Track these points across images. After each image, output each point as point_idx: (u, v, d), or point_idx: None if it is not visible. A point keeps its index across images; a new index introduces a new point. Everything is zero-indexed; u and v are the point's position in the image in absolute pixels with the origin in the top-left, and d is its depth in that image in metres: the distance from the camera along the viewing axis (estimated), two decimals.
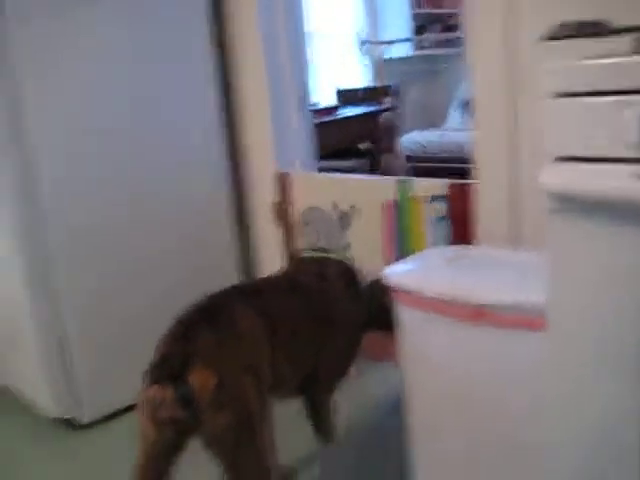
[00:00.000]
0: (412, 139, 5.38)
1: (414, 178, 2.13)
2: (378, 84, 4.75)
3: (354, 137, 3.69)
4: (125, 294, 2.23)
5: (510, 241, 1.92)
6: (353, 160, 3.80)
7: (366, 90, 4.33)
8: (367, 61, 5.40)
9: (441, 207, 2.06)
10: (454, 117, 6.01)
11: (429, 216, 2.09)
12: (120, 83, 2.16)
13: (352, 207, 2.30)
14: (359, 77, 5.68)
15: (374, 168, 3.87)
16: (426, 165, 5.18)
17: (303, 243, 2.49)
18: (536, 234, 1.87)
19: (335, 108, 3.55)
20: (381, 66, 4.73)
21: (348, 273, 1.90)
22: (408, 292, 1.46)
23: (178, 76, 2.31)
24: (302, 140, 2.59)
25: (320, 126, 2.91)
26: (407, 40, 5.46)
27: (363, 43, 4.71)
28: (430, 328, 1.45)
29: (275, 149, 2.50)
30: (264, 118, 2.49)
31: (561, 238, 1.04)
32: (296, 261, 1.92)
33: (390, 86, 4.15)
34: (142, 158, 2.24)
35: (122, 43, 2.15)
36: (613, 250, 1.00)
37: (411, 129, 5.35)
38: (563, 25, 0.99)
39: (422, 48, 5.92)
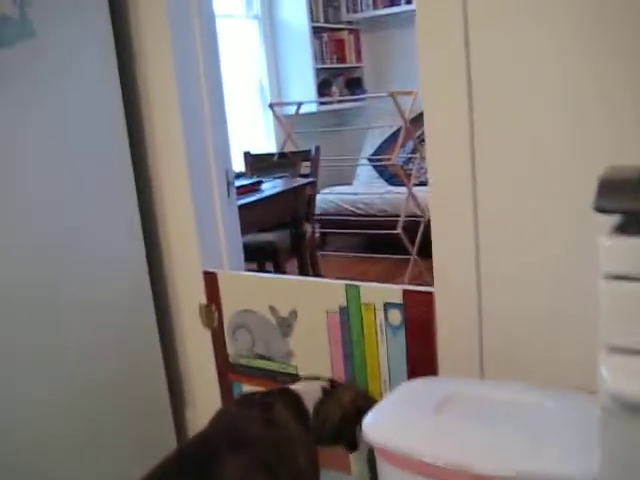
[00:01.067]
0: (324, 199, 5.23)
1: (364, 283, 1.93)
2: (287, 145, 4.55)
3: (280, 214, 3.45)
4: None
5: (474, 356, 1.75)
6: (274, 233, 3.57)
7: (281, 155, 4.12)
8: (272, 121, 5.24)
9: (396, 316, 1.87)
10: (363, 172, 5.93)
11: (383, 326, 1.89)
12: (31, 175, 1.86)
13: (292, 312, 2.06)
14: (264, 138, 5.50)
15: (298, 240, 3.64)
16: (341, 226, 5.04)
17: (235, 349, 2.23)
18: (503, 352, 1.72)
19: (258, 183, 3.30)
20: (291, 129, 4.55)
21: (296, 403, 1.65)
22: (396, 454, 1.23)
23: (89, 170, 2.02)
24: (229, 232, 2.34)
25: (243, 207, 2.66)
26: (314, 102, 5.33)
27: (270, 106, 4.51)
28: None
29: (200, 245, 2.24)
30: (186, 209, 2.22)
31: (616, 435, 0.85)
32: (235, 405, 1.63)
33: (307, 151, 3.97)
34: (49, 259, 1.92)
35: (28, 136, 1.85)
36: None
37: (323, 189, 5.20)
38: (608, 182, 0.81)
39: (326, 104, 5.82)
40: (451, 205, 1.70)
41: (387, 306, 1.87)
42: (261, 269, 3.76)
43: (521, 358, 1.69)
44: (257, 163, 4.10)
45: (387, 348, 1.90)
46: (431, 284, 1.82)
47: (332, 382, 1.79)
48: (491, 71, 1.56)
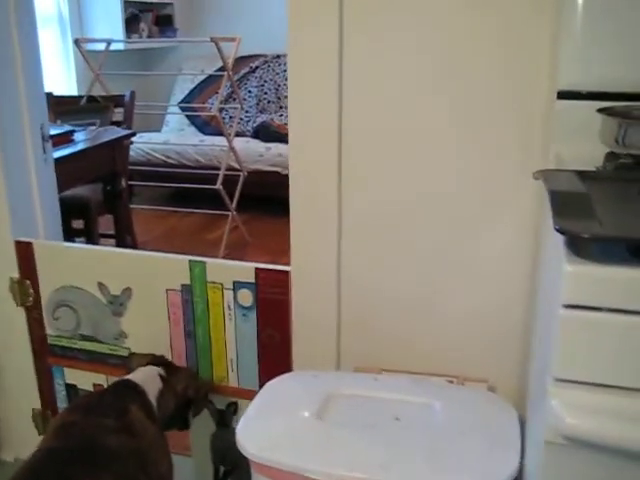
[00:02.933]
0: (132, 147, 4.86)
1: (211, 260, 1.76)
2: (94, 88, 4.12)
3: (96, 168, 3.07)
4: None
5: (331, 345, 1.67)
6: (84, 187, 3.21)
7: (89, 99, 3.71)
8: (74, 59, 4.76)
9: (247, 296, 1.73)
10: (173, 118, 5.61)
11: (232, 306, 1.75)
12: None
13: (126, 289, 1.84)
14: (64, 78, 4.97)
15: (115, 195, 3.31)
16: (150, 178, 4.73)
17: (55, 330, 1.96)
18: (362, 343, 1.65)
19: (70, 133, 2.91)
20: (99, 69, 4.13)
21: (144, 400, 1.47)
22: (280, 471, 1.11)
23: None
24: (46, 195, 2.03)
25: (55, 161, 2.32)
26: (123, 41, 4.88)
27: (76, 42, 4.04)
28: None
29: (10, 211, 1.91)
30: None
31: (559, 468, 0.79)
32: (81, 412, 1.34)
33: (121, 95, 3.60)
34: None
35: None
36: None
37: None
38: (561, 198, 0.73)
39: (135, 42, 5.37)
40: (314, 176, 1.57)
41: (237, 285, 1.73)
42: (68, 228, 3.39)
43: (381, 349, 1.64)
44: (60, 106, 3.65)
45: (235, 330, 1.76)
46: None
47: (166, 366, 1.66)
48: None
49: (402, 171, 1.50)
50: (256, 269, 1.69)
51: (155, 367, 1.62)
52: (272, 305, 1.70)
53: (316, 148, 1.54)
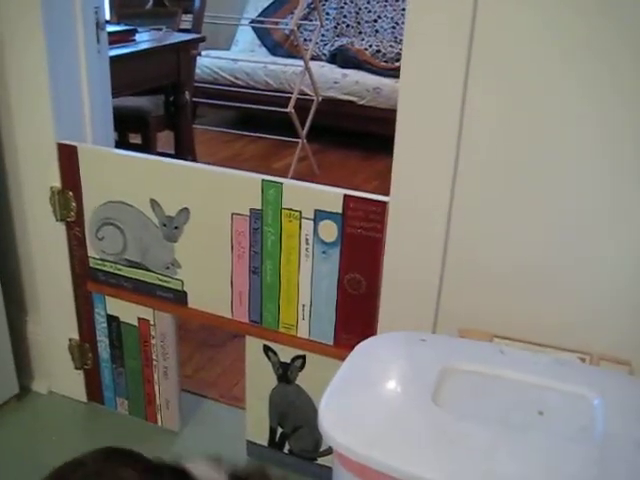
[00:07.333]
0: (198, 63, 4.52)
1: (289, 181, 1.42)
2: None
3: (158, 75, 2.74)
4: None
5: (430, 299, 1.33)
6: (144, 97, 2.90)
7: (156, 3, 3.37)
8: None
9: (330, 229, 1.39)
10: (244, 38, 5.23)
11: (310, 240, 1.41)
12: None
13: (184, 210, 1.53)
14: None
15: (178, 109, 2.98)
16: (215, 97, 4.40)
17: (99, 252, 1.67)
18: (469, 303, 1.31)
19: (132, 32, 2.58)
20: None
21: None
22: (383, 475, 0.79)
23: None
24: (97, 93, 1.71)
25: (112, 61, 2.00)
26: None
27: None
28: None
29: (54, 107, 1.60)
30: (35, 56, 1.57)
31: None
32: None
33: (191, 0, 3.25)
34: None
35: None
36: None
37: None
38: None
39: None
40: (432, 91, 1.20)
41: (319, 215, 1.39)
42: (124, 142, 3.10)
43: (492, 311, 1.30)
44: (125, 8, 3.33)
45: (312, 270, 1.44)
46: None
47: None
48: None
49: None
50: (345, 196, 1.35)
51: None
52: (361, 243, 1.37)
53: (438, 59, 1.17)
